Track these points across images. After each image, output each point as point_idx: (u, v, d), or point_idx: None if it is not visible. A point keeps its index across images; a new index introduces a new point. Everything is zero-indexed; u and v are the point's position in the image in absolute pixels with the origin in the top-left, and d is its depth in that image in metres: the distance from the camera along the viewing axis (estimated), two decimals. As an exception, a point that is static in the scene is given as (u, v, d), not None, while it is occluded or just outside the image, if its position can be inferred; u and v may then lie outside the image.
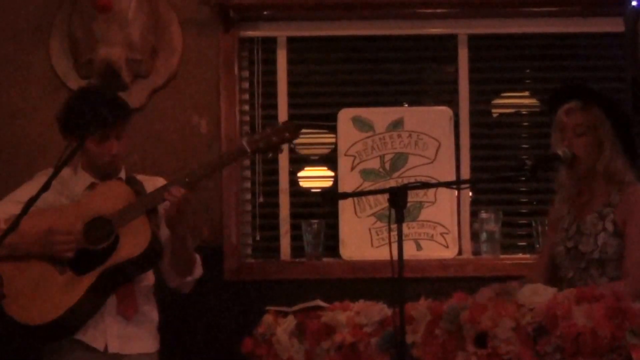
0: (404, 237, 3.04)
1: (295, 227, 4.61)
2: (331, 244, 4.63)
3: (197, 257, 3.69)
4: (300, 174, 4.81)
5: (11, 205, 3.52)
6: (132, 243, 3.49)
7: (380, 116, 4.68)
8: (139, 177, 3.74)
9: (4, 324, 3.48)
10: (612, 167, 3.46)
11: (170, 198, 3.47)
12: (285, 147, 3.64)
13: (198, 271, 3.69)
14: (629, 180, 3.46)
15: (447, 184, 4.44)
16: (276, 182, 4.71)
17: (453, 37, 4.75)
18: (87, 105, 3.57)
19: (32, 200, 3.19)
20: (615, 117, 3.50)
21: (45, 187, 3.21)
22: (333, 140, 4.74)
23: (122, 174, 3.69)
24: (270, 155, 3.69)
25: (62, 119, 3.64)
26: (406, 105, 4.81)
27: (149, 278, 3.67)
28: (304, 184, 4.80)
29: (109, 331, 3.54)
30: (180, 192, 3.46)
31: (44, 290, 3.46)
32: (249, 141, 3.56)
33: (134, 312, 3.57)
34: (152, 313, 3.68)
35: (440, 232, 4.59)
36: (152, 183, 3.68)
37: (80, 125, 3.52)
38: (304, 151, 4.83)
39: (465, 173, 4.68)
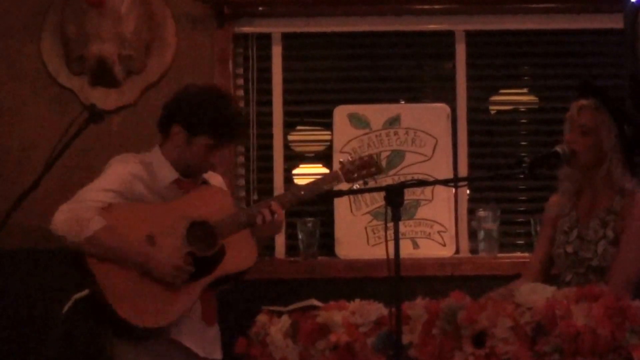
0: (400, 236, 3.02)
1: (290, 226, 4.58)
2: (327, 242, 4.62)
3: None
4: (295, 171, 4.80)
5: (102, 194, 3.41)
6: (240, 256, 3.51)
7: (376, 113, 4.67)
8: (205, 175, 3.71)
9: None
10: (613, 175, 3.46)
11: (275, 218, 3.55)
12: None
13: None
14: (631, 188, 3.44)
15: (445, 182, 4.41)
16: (271, 180, 4.70)
17: (450, 34, 4.75)
18: (231, 112, 3.54)
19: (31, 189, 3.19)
20: (622, 127, 3.48)
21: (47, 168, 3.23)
22: (328, 137, 4.73)
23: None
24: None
25: (192, 105, 3.52)
26: (403, 102, 4.80)
27: None
28: (299, 181, 4.77)
29: (203, 336, 3.53)
30: (282, 214, 3.57)
31: (153, 293, 3.38)
32: (344, 172, 3.71)
33: (215, 319, 3.59)
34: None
35: (437, 231, 4.57)
36: (215, 179, 3.70)
37: (212, 121, 3.48)
38: (299, 148, 4.82)
39: (463, 171, 4.68)
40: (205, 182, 3.64)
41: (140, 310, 3.35)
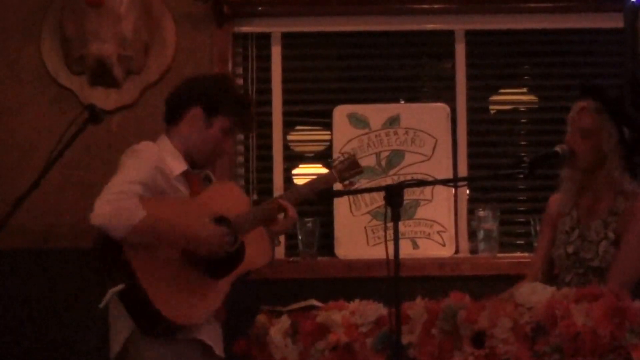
0: (400, 236, 3.02)
1: (290, 225, 4.58)
2: (326, 242, 4.60)
3: None
4: (294, 171, 4.79)
5: (133, 186, 3.31)
6: (258, 252, 3.52)
7: (376, 113, 4.66)
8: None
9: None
10: (613, 177, 3.46)
11: (291, 214, 3.58)
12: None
13: None
14: (631, 189, 3.44)
15: (444, 182, 4.43)
16: (270, 180, 4.69)
17: (450, 33, 4.74)
18: (243, 94, 3.61)
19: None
20: (622, 129, 3.48)
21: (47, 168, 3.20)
22: (328, 137, 4.72)
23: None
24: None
25: (210, 86, 3.54)
26: (402, 101, 4.79)
27: None
28: (298, 181, 4.76)
29: (216, 333, 3.51)
30: (295, 213, 3.59)
31: (187, 288, 3.35)
32: (337, 171, 3.79)
33: (224, 315, 3.55)
34: None
35: (437, 231, 4.57)
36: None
37: (230, 99, 3.50)
38: (299, 148, 4.81)
39: (463, 170, 4.66)
40: (207, 176, 3.63)
41: (175, 306, 3.30)
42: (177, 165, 3.48)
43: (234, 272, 3.44)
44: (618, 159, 3.46)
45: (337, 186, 4.53)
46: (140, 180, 3.32)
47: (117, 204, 3.24)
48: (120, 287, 3.27)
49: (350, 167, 3.81)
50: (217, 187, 3.58)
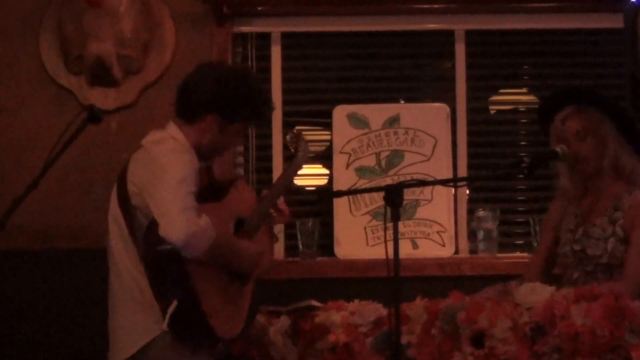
0: (399, 236, 3.01)
1: (289, 226, 4.56)
2: (326, 242, 4.60)
3: None
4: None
5: (190, 198, 3.19)
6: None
7: (376, 113, 4.65)
8: None
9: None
10: (620, 162, 3.44)
11: (281, 212, 3.54)
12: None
13: None
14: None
15: (444, 182, 4.42)
16: (270, 180, 4.67)
17: (450, 33, 4.73)
18: (263, 95, 3.49)
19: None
20: (613, 113, 3.47)
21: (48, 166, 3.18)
22: (328, 137, 4.72)
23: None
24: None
25: (231, 95, 3.42)
26: (402, 101, 4.79)
27: None
28: (298, 182, 4.76)
29: None
30: (287, 207, 3.55)
31: (231, 303, 3.30)
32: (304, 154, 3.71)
33: None
34: None
35: (436, 231, 4.56)
36: None
37: (250, 107, 3.42)
38: (299, 148, 4.80)
39: (462, 171, 4.66)
40: (209, 168, 3.62)
41: (224, 321, 3.24)
42: (195, 161, 3.39)
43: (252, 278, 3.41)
44: (622, 143, 3.44)
45: (337, 186, 4.56)
46: (192, 189, 3.22)
47: (196, 225, 3.13)
48: (174, 305, 3.16)
49: (295, 140, 3.73)
50: (238, 188, 3.51)
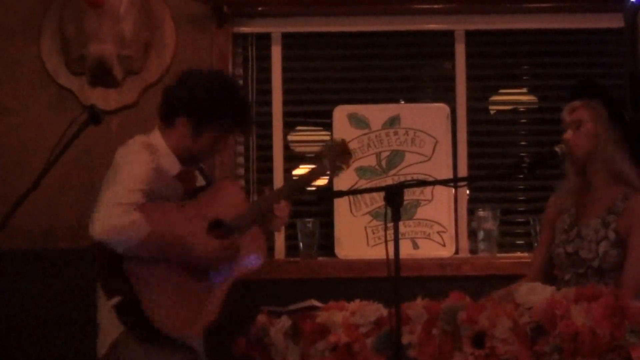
0: (400, 236, 3.02)
1: (289, 226, 4.56)
2: (326, 243, 4.60)
3: None
4: (295, 171, 4.77)
5: (132, 195, 3.25)
6: (253, 253, 3.49)
7: (376, 113, 4.66)
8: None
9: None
10: (618, 167, 3.43)
11: (280, 214, 3.55)
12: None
13: None
14: (636, 187, 3.43)
15: (444, 182, 4.43)
16: (270, 180, 4.68)
17: (450, 33, 4.74)
18: (236, 97, 3.51)
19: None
20: (619, 117, 3.47)
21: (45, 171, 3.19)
22: (328, 137, 4.71)
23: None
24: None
25: (201, 99, 3.46)
26: (403, 102, 4.79)
27: None
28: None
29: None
30: (289, 207, 3.56)
31: (187, 303, 3.32)
32: (329, 161, 3.69)
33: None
34: None
35: (437, 231, 4.56)
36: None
37: (222, 114, 3.45)
38: (299, 148, 4.81)
39: (463, 171, 4.66)
40: (201, 170, 3.63)
41: (173, 322, 3.27)
42: (173, 165, 3.47)
43: (230, 278, 3.43)
44: (621, 148, 3.45)
45: (337, 186, 4.56)
46: (140, 187, 3.28)
47: (119, 220, 3.19)
48: (116, 299, 3.25)
49: (342, 153, 3.73)
50: (215, 188, 3.55)
